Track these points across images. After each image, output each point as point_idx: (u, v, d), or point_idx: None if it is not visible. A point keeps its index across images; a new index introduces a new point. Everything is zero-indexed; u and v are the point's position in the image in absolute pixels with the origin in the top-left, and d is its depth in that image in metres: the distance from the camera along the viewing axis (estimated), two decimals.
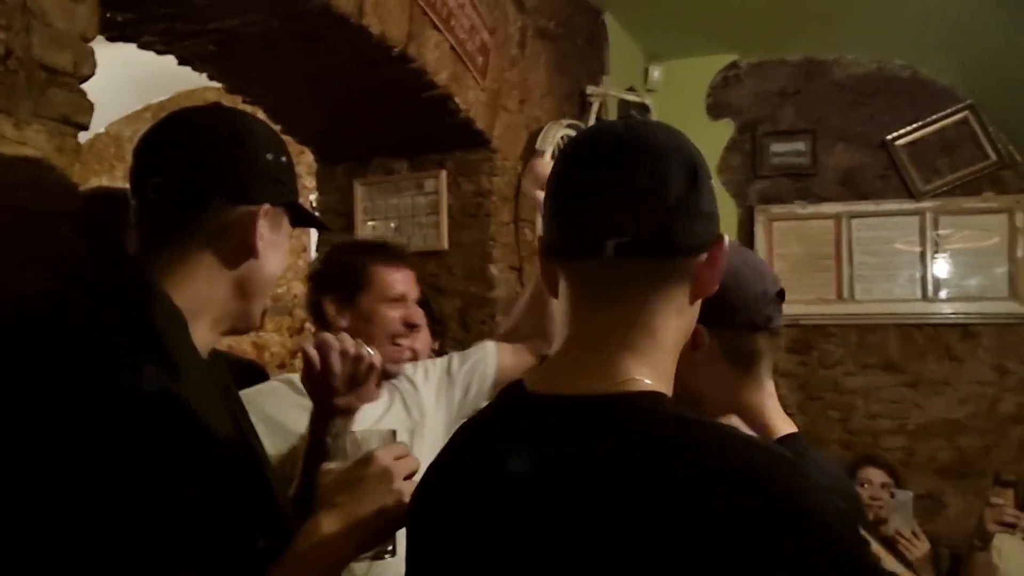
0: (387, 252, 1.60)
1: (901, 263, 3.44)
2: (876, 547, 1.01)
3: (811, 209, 3.57)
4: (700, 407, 1.07)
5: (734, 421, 1.12)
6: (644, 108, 3.31)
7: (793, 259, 3.53)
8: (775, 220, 3.60)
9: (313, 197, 2.78)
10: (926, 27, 3.23)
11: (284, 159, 0.98)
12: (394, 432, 1.02)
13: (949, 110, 3.42)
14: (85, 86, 1.16)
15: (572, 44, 2.99)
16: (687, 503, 0.66)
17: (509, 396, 0.83)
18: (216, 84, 2.14)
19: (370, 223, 2.53)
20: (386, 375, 1.49)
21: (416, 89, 2.10)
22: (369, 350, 1.16)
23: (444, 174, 2.45)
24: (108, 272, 1.04)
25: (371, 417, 1.42)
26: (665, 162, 0.76)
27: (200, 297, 0.93)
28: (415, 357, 1.57)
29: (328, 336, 1.16)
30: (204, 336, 0.93)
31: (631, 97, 3.29)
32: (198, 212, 0.93)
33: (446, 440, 0.86)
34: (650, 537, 0.66)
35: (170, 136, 0.95)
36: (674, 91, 3.62)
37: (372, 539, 0.91)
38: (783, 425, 1.11)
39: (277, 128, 2.16)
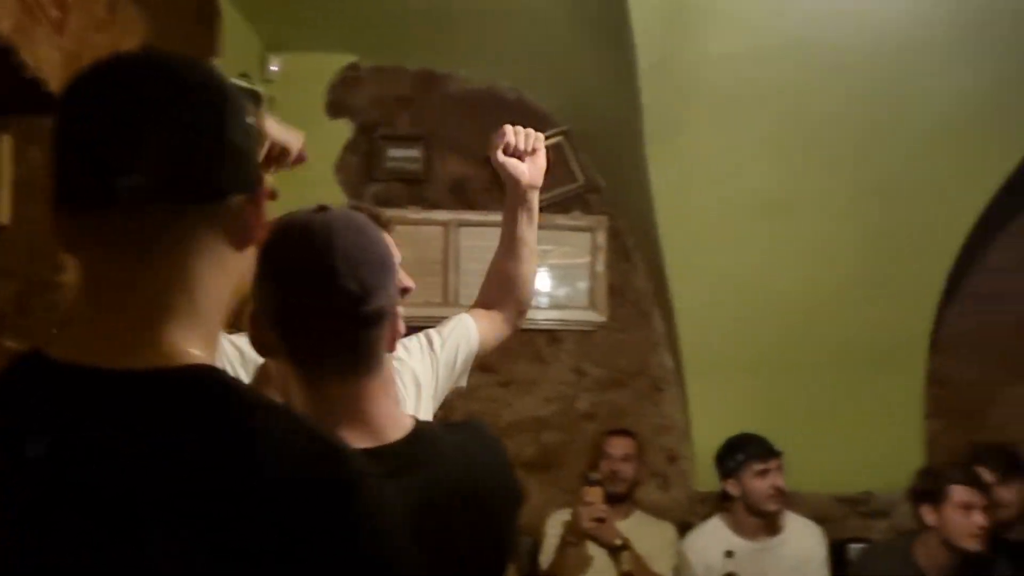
0: None
1: None
2: None
3: (423, 215, 3.69)
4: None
5: None
6: (256, 95, 3.19)
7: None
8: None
9: None
10: (529, 55, 3.50)
11: None
12: None
13: (547, 133, 3.72)
14: None
15: (178, 19, 2.80)
16: (231, 503, 0.60)
17: (27, 364, 0.69)
18: None
19: None
20: None
21: None
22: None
23: (7, 139, 2.14)
24: None
25: None
26: (186, 94, 0.68)
27: None
28: None
29: None
30: None
31: (243, 83, 3.15)
32: None
33: None
34: (181, 542, 0.59)
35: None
36: (293, 85, 3.54)
37: None
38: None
39: None
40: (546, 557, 3.13)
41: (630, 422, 3.64)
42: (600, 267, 3.72)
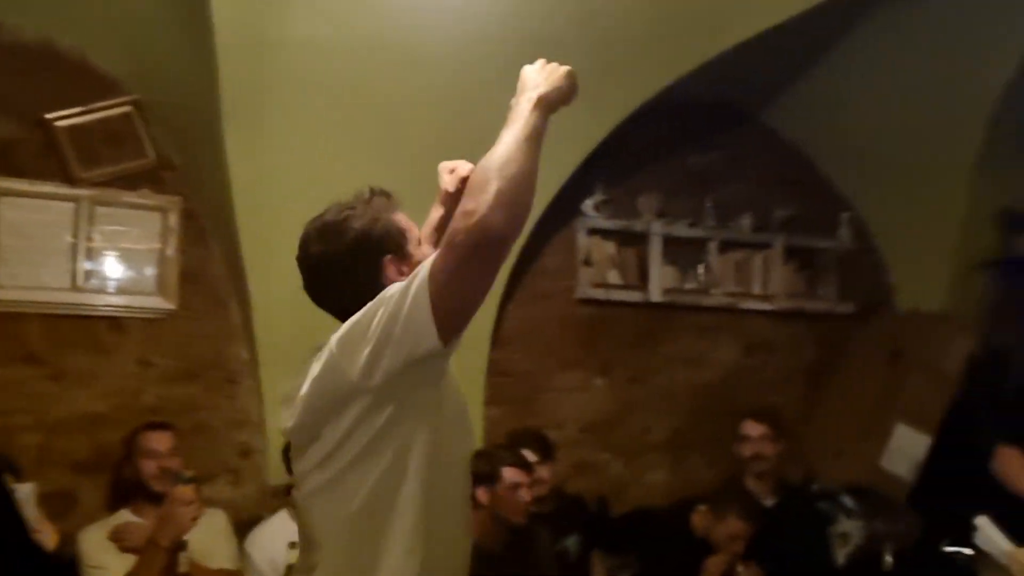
0: None
1: (53, 249, 3.27)
2: None
3: None
4: None
5: None
6: None
7: None
8: None
9: None
10: (96, 12, 3.15)
11: None
12: None
13: (114, 101, 3.38)
14: None
15: None
16: None
17: None
18: None
19: None
20: None
21: None
22: None
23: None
24: None
25: None
26: None
27: None
28: None
29: None
30: None
31: None
32: None
33: None
34: None
35: None
36: None
37: None
38: None
39: None
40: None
41: (203, 416, 3.45)
42: (171, 250, 3.47)
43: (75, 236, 3.31)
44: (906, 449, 3.68)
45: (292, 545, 2.73)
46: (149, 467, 2.88)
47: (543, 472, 3.17)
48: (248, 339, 3.50)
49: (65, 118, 3.29)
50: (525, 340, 3.94)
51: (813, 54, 3.88)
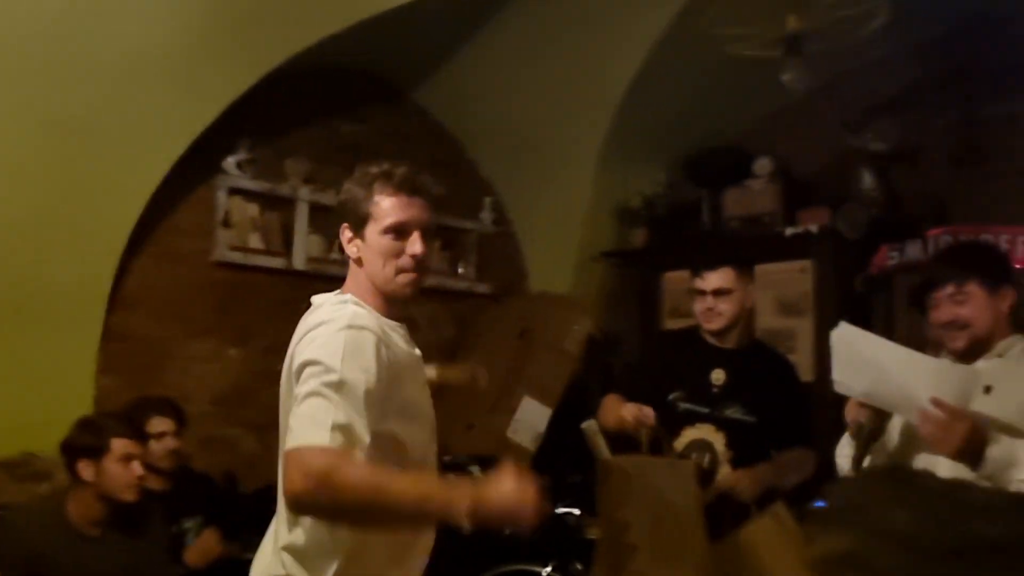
0: None
1: None
2: None
3: None
4: None
5: None
6: None
7: None
8: None
9: None
10: None
11: None
12: None
13: None
14: None
15: None
16: None
17: None
18: None
19: None
20: None
21: None
22: None
23: None
24: None
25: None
26: None
27: None
28: None
29: None
30: None
31: None
32: None
33: None
34: None
35: None
36: None
37: None
38: None
39: None
40: None
41: None
42: None
43: None
44: (530, 420, 3.91)
45: None
46: None
47: (171, 443, 2.93)
48: None
49: None
50: (151, 303, 3.58)
51: (460, 36, 3.98)
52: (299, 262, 3.91)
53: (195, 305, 3.71)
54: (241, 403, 3.82)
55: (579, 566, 3.12)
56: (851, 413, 2.00)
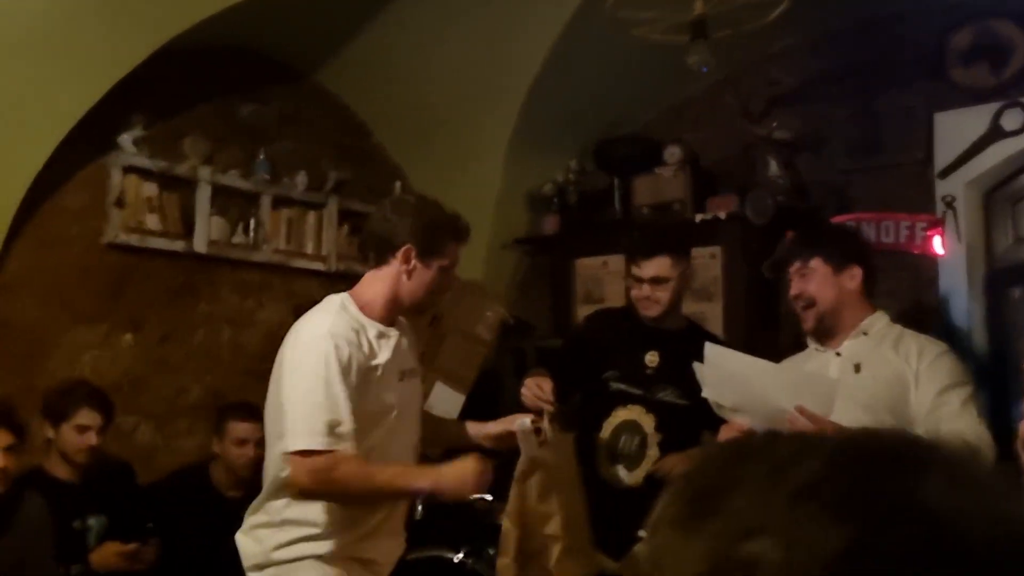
0: None
1: None
2: None
3: None
4: None
5: None
6: None
7: None
8: None
9: None
10: None
11: None
12: None
13: None
14: None
15: None
16: None
17: None
18: None
19: None
20: None
21: None
22: None
23: None
24: None
25: None
26: None
27: None
28: None
29: None
30: None
31: None
32: None
33: None
34: None
35: None
36: None
37: None
38: None
39: None
40: None
41: None
42: None
43: None
44: (443, 406, 3.84)
45: None
46: None
47: (93, 439, 2.84)
48: None
49: None
50: (34, 287, 3.36)
51: (365, 16, 3.86)
52: (200, 245, 3.74)
53: (84, 289, 3.50)
54: (135, 392, 3.63)
55: (491, 551, 3.08)
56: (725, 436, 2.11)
